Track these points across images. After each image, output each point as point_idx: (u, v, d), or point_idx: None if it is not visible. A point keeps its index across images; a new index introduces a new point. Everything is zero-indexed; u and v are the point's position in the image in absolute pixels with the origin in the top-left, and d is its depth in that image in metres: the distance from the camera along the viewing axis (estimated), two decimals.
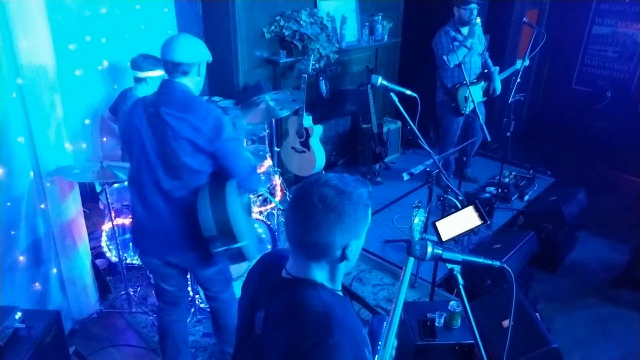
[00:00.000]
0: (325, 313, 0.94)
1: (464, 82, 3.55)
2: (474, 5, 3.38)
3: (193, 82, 1.81)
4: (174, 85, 1.78)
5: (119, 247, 2.51)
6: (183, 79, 1.77)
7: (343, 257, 0.98)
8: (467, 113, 3.46)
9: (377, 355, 1.20)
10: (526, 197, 3.86)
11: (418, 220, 1.58)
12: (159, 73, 2.62)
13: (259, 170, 2.87)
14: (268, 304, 1.02)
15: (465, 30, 3.55)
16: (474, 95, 3.66)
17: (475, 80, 3.64)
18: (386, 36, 4.38)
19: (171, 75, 1.78)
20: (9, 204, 2.13)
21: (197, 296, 2.57)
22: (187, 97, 1.77)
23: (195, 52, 1.78)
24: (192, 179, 1.78)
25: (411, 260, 1.35)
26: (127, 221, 2.62)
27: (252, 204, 2.29)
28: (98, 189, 3.02)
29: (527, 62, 3.56)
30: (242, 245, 1.75)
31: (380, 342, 1.23)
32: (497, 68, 3.65)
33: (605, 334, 2.75)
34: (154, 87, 2.67)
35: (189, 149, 1.73)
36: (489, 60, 3.73)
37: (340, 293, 1.06)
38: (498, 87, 3.62)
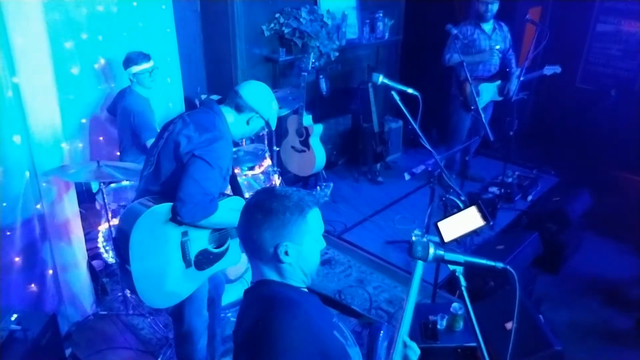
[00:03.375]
0: (271, 296, 1.03)
1: (478, 77, 3.50)
2: (490, 0, 3.37)
3: (238, 123, 1.74)
4: (214, 108, 1.72)
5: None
6: (231, 112, 1.73)
7: (277, 257, 1.03)
8: (474, 109, 3.42)
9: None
10: (529, 197, 3.82)
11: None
12: (146, 66, 2.58)
13: (258, 171, 2.84)
14: (240, 318, 1.09)
15: (486, 26, 3.51)
16: (488, 93, 3.63)
17: (490, 77, 3.59)
18: (387, 34, 4.34)
19: (226, 101, 1.75)
20: (4, 204, 2.12)
21: None
22: (212, 118, 1.68)
23: (261, 102, 1.73)
24: (159, 177, 1.70)
25: (420, 264, 1.29)
26: None
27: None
28: (95, 189, 2.99)
29: (558, 70, 3.49)
30: (131, 269, 1.59)
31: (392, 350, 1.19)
32: (519, 70, 3.50)
33: (609, 336, 2.71)
34: (149, 82, 2.64)
35: (167, 157, 1.65)
36: (513, 61, 3.66)
37: (303, 290, 1.11)
38: (513, 88, 3.49)
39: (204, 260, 1.75)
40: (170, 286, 1.70)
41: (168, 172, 1.67)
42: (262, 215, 1.02)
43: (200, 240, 1.73)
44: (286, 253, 1.03)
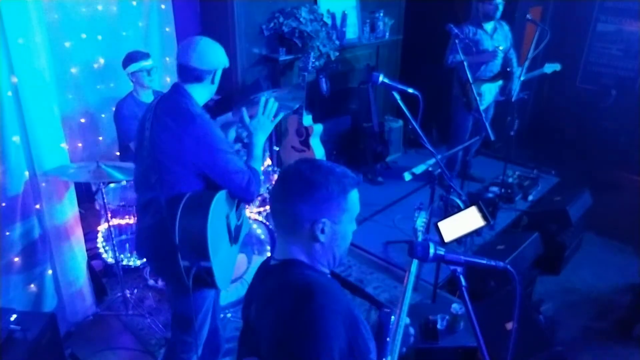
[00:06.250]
0: (306, 283, 0.96)
1: (480, 77, 3.50)
2: (499, 1, 3.39)
3: (205, 89, 1.73)
4: (179, 90, 1.70)
5: (115, 248, 2.48)
6: (194, 86, 1.70)
7: (313, 234, 0.99)
8: (478, 110, 3.42)
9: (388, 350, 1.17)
10: (530, 197, 3.81)
11: (420, 222, 1.53)
12: (144, 64, 2.56)
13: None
14: (258, 295, 1.06)
15: (488, 26, 3.51)
16: (491, 93, 3.62)
17: (492, 78, 3.59)
18: (387, 33, 4.33)
19: (182, 79, 1.71)
20: (3, 204, 2.11)
21: None
22: (181, 102, 1.67)
23: (213, 59, 1.69)
24: (168, 182, 1.67)
25: (415, 262, 1.31)
26: (123, 222, 2.58)
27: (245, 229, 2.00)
28: (94, 189, 2.98)
29: (558, 67, 3.48)
30: (211, 264, 1.61)
31: (389, 338, 1.19)
32: (520, 69, 3.50)
33: (610, 336, 2.70)
34: (147, 81, 2.62)
35: (167, 157, 1.64)
36: (514, 60, 3.66)
37: (329, 276, 1.07)
38: (515, 88, 3.49)
39: (236, 234, 1.88)
40: (230, 265, 1.85)
41: (176, 171, 1.66)
42: (304, 186, 0.97)
43: (233, 219, 1.84)
44: (322, 231, 0.98)
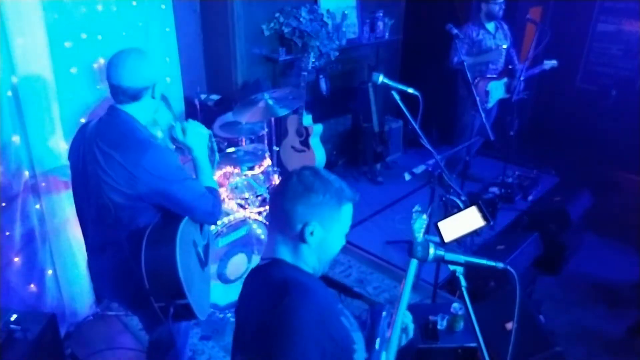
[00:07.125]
0: (282, 280, 1.02)
1: (486, 76, 3.53)
2: (502, 0, 3.47)
3: (146, 106, 1.57)
4: (118, 115, 1.53)
5: None
6: (132, 105, 1.53)
7: (302, 236, 1.04)
8: (488, 108, 3.46)
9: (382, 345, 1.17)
10: (530, 198, 3.82)
11: (419, 225, 1.53)
12: None
13: (258, 171, 2.83)
14: (246, 295, 1.13)
15: (489, 25, 3.56)
16: (497, 91, 3.65)
17: (496, 76, 3.61)
18: (387, 33, 4.34)
19: (118, 100, 1.53)
20: (3, 204, 2.11)
21: None
22: (125, 130, 1.52)
23: (149, 73, 1.52)
24: (125, 219, 1.54)
25: (414, 262, 1.31)
26: None
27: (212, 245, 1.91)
28: None
29: (555, 63, 3.53)
30: (189, 300, 1.50)
31: (379, 338, 1.19)
32: (521, 68, 3.56)
33: (609, 337, 2.70)
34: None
35: (119, 193, 1.50)
36: (515, 58, 3.70)
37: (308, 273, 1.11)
38: (518, 87, 3.55)
39: (205, 256, 1.82)
40: (205, 291, 1.76)
41: (127, 205, 1.52)
42: (302, 189, 1.03)
43: (200, 242, 1.77)
44: (312, 234, 1.03)
